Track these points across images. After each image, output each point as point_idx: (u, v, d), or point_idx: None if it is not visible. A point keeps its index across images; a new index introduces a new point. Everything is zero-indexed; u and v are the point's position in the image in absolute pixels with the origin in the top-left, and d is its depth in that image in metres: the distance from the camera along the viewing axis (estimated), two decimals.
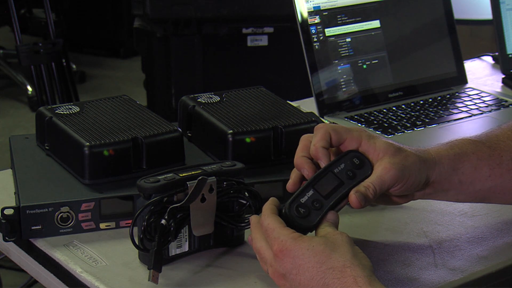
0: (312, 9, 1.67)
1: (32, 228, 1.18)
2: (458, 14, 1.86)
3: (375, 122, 1.62)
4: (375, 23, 1.74)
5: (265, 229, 1.06)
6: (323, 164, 1.12)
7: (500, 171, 1.16)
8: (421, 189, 1.14)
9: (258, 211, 1.15)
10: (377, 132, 1.57)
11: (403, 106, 1.70)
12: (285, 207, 1.09)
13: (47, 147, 1.34)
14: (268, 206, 1.08)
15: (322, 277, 1.00)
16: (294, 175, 1.14)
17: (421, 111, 1.67)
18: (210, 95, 1.41)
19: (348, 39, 1.70)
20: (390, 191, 1.12)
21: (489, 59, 2.03)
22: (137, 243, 1.10)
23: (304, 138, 1.15)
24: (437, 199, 1.18)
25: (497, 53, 1.93)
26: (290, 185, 1.13)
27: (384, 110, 1.68)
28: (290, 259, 1.02)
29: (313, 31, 1.66)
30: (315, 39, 1.66)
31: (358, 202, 1.08)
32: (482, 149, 1.16)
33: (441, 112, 1.68)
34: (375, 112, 1.66)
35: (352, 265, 0.99)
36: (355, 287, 0.98)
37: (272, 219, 1.06)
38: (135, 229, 1.10)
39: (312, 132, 1.35)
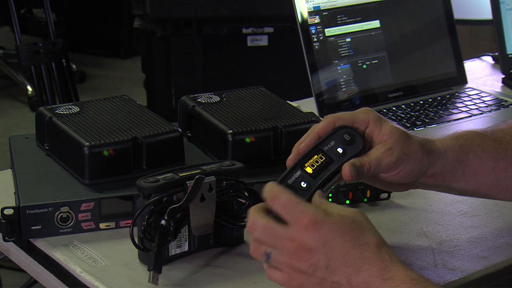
0: (312, 9, 1.67)
1: (32, 228, 1.18)
2: (458, 14, 1.86)
3: None
4: (375, 23, 1.74)
5: (284, 203, 1.00)
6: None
7: (505, 165, 1.15)
8: (422, 179, 1.14)
9: None
10: None
11: (403, 106, 1.70)
12: None
13: (47, 147, 1.34)
14: (277, 185, 1.04)
15: (359, 251, 0.97)
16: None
17: (421, 111, 1.67)
18: (210, 95, 1.41)
19: (348, 39, 1.70)
20: (386, 176, 1.11)
21: (489, 59, 2.03)
22: (137, 243, 1.10)
23: (312, 127, 1.13)
24: (439, 191, 1.18)
25: (497, 53, 1.93)
26: (289, 161, 1.10)
27: (384, 110, 1.68)
28: (325, 232, 0.98)
29: (313, 31, 1.67)
30: (315, 39, 1.66)
31: (350, 174, 1.06)
32: (488, 142, 1.16)
33: (441, 112, 1.68)
34: None
35: (385, 245, 0.98)
36: (390, 263, 0.97)
37: (292, 194, 1.01)
38: (135, 229, 1.10)
39: None
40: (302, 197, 1.05)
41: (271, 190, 1.02)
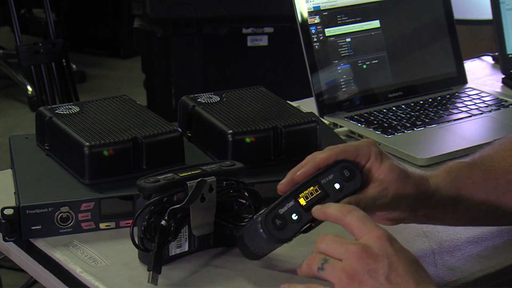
0: (312, 9, 1.67)
1: (32, 228, 1.18)
2: (458, 14, 1.85)
3: (375, 122, 1.62)
4: (375, 23, 1.73)
5: (360, 216, 1.00)
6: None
7: (496, 195, 1.15)
8: (413, 218, 1.14)
9: (257, 211, 1.15)
10: (377, 132, 1.57)
11: (403, 106, 1.70)
12: (261, 216, 1.06)
13: (47, 147, 1.34)
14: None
15: (419, 277, 0.97)
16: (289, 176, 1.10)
17: (421, 111, 1.67)
18: (210, 95, 1.41)
19: (348, 39, 1.70)
20: (378, 214, 1.11)
21: (489, 59, 2.03)
22: (137, 243, 1.10)
23: (311, 155, 1.11)
24: (430, 224, 1.19)
25: (497, 53, 1.93)
26: (281, 186, 1.10)
27: (384, 110, 1.68)
28: (395, 247, 0.97)
29: (313, 31, 1.66)
30: (315, 39, 1.66)
31: None
32: (477, 173, 1.15)
33: (441, 112, 1.68)
34: (375, 112, 1.66)
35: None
36: None
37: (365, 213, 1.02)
38: (135, 229, 1.10)
39: (313, 132, 1.35)
40: (292, 229, 1.05)
41: (342, 206, 1.02)
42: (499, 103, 1.73)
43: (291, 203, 1.06)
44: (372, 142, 1.12)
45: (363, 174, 1.09)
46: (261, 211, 1.07)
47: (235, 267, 1.14)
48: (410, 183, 1.10)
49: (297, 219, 1.06)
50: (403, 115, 1.66)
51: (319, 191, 1.07)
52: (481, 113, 1.68)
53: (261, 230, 1.05)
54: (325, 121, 1.60)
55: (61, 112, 1.34)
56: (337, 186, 1.08)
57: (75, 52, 4.64)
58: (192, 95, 1.41)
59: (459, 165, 1.16)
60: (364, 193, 1.09)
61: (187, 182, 1.10)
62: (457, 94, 1.77)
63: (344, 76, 1.69)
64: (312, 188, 1.07)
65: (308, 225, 1.07)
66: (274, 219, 1.05)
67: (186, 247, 1.14)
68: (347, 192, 1.08)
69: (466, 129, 1.63)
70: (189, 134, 1.40)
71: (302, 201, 1.06)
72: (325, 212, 1.04)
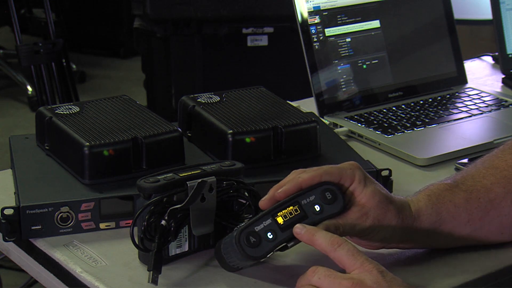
0: (312, 9, 1.67)
1: (32, 228, 1.18)
2: (458, 14, 1.85)
3: (375, 122, 1.62)
4: (375, 23, 1.74)
5: (350, 249, 1.00)
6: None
7: (479, 215, 1.14)
8: (395, 245, 1.14)
9: (257, 211, 1.15)
10: (377, 132, 1.57)
11: (403, 106, 1.70)
12: (236, 231, 1.05)
13: (47, 147, 1.34)
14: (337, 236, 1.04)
15: None
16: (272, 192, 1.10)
17: (421, 111, 1.67)
18: (210, 95, 1.41)
19: (348, 39, 1.70)
20: (357, 239, 1.11)
21: (489, 59, 2.03)
22: (137, 243, 1.10)
23: (295, 172, 1.11)
24: (411, 249, 1.18)
25: (497, 53, 1.93)
26: (262, 202, 1.09)
27: (384, 110, 1.68)
28: (387, 279, 0.99)
29: (313, 31, 1.66)
30: (315, 39, 1.66)
31: None
32: (459, 194, 1.14)
33: (441, 112, 1.68)
34: (375, 112, 1.66)
35: None
36: None
37: (355, 245, 1.02)
38: (135, 229, 1.10)
39: (313, 132, 1.35)
40: (265, 248, 1.05)
41: (331, 238, 1.02)
42: (499, 103, 1.73)
43: (268, 221, 1.06)
44: (356, 165, 1.11)
45: (346, 196, 1.09)
46: (241, 225, 1.07)
47: None
48: (391, 210, 1.10)
49: (272, 238, 1.05)
50: (403, 115, 1.66)
51: (299, 212, 1.07)
52: (481, 113, 1.68)
53: (235, 246, 1.05)
54: (325, 121, 1.60)
55: (61, 112, 1.34)
56: (317, 208, 1.07)
57: (75, 52, 4.63)
58: (192, 95, 1.41)
59: (439, 187, 1.15)
60: (344, 218, 1.08)
61: (187, 182, 1.10)
62: (457, 94, 1.77)
63: (344, 76, 1.69)
64: (291, 207, 1.07)
65: (283, 244, 1.07)
66: (249, 236, 1.05)
67: (186, 247, 1.15)
68: (326, 215, 1.07)
69: (466, 129, 1.63)
70: (189, 134, 1.40)
71: (280, 220, 1.06)
72: (313, 240, 1.03)
